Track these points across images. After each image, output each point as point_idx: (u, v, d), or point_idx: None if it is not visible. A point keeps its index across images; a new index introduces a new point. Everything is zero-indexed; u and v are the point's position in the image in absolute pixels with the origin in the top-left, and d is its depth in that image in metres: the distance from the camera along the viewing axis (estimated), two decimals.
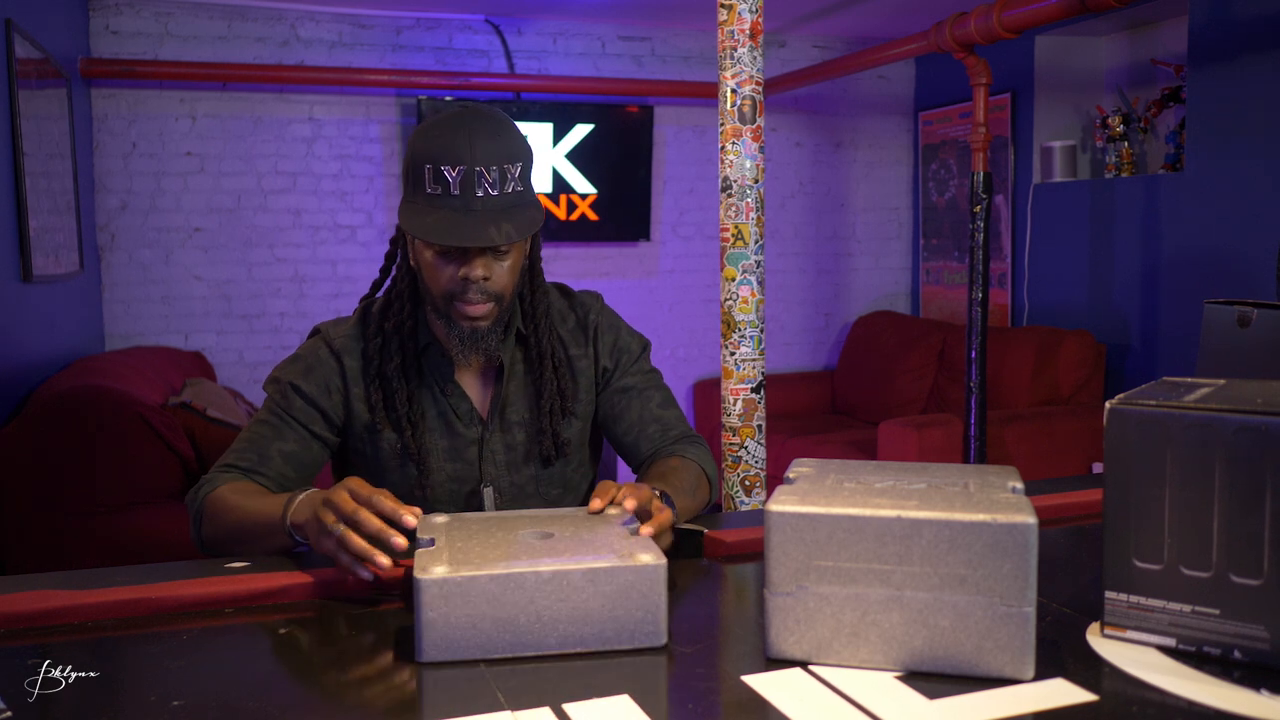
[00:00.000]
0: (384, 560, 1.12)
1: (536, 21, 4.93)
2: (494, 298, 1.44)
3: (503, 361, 1.54)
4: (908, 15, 4.71)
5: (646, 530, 1.14)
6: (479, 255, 1.40)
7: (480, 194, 1.37)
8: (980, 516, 0.92)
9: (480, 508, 1.53)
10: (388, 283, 1.57)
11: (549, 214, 4.91)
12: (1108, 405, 0.99)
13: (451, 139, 1.37)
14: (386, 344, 1.51)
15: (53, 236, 3.49)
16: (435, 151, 1.37)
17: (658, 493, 1.34)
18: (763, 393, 2.58)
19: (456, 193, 1.37)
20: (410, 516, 1.15)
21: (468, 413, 1.54)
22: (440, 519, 1.19)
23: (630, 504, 1.19)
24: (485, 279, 1.42)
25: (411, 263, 1.50)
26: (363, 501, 1.15)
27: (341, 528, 1.14)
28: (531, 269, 1.55)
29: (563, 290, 1.66)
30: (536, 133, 4.84)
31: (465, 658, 1.00)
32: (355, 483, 1.19)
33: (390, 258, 1.56)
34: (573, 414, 1.58)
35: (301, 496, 1.27)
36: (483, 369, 1.56)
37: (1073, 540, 1.39)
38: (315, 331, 1.57)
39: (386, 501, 1.15)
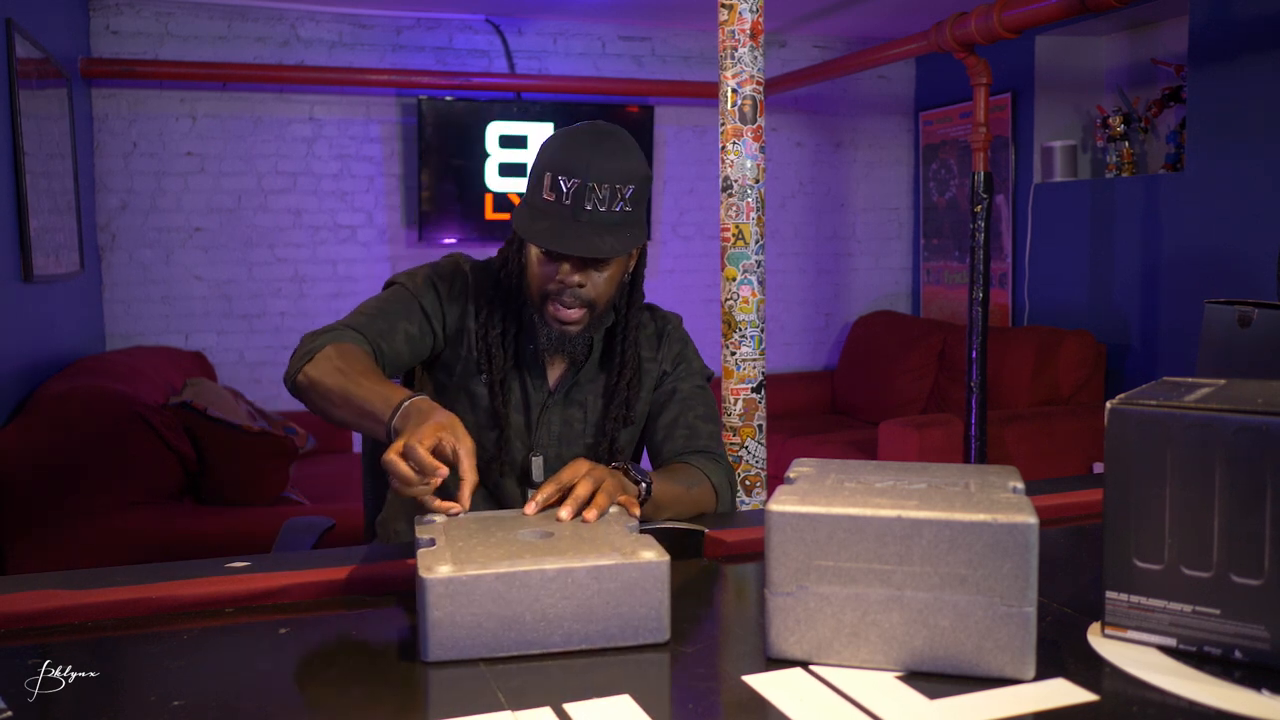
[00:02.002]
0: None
1: (537, 21, 4.93)
2: (587, 304, 1.51)
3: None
4: (908, 15, 4.71)
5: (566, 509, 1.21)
6: (579, 263, 1.47)
7: (589, 207, 1.43)
8: (981, 516, 0.92)
9: (529, 475, 1.60)
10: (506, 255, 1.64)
11: None
12: (1108, 405, 0.99)
13: (574, 152, 1.44)
14: (491, 315, 1.58)
15: (53, 236, 3.49)
16: (557, 161, 1.45)
17: (622, 469, 1.38)
18: (763, 392, 2.58)
19: (568, 202, 1.43)
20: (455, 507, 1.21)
21: (539, 377, 1.61)
22: (439, 519, 1.19)
23: (593, 513, 1.22)
24: (580, 286, 1.49)
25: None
26: (428, 471, 1.17)
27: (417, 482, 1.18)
28: (633, 285, 1.61)
29: (649, 306, 1.73)
30: (537, 132, 4.84)
31: (470, 656, 1.00)
32: (451, 439, 1.21)
33: (510, 241, 1.63)
34: (633, 422, 1.64)
35: (411, 404, 1.28)
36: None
37: (1073, 540, 1.39)
38: (452, 255, 1.64)
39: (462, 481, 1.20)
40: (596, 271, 1.49)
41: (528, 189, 1.50)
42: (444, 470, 1.17)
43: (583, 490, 1.22)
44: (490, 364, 1.57)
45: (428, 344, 1.57)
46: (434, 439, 1.19)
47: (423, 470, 1.16)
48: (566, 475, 1.26)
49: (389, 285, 1.60)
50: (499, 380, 1.57)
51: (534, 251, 1.50)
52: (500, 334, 1.58)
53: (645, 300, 1.73)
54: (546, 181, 1.45)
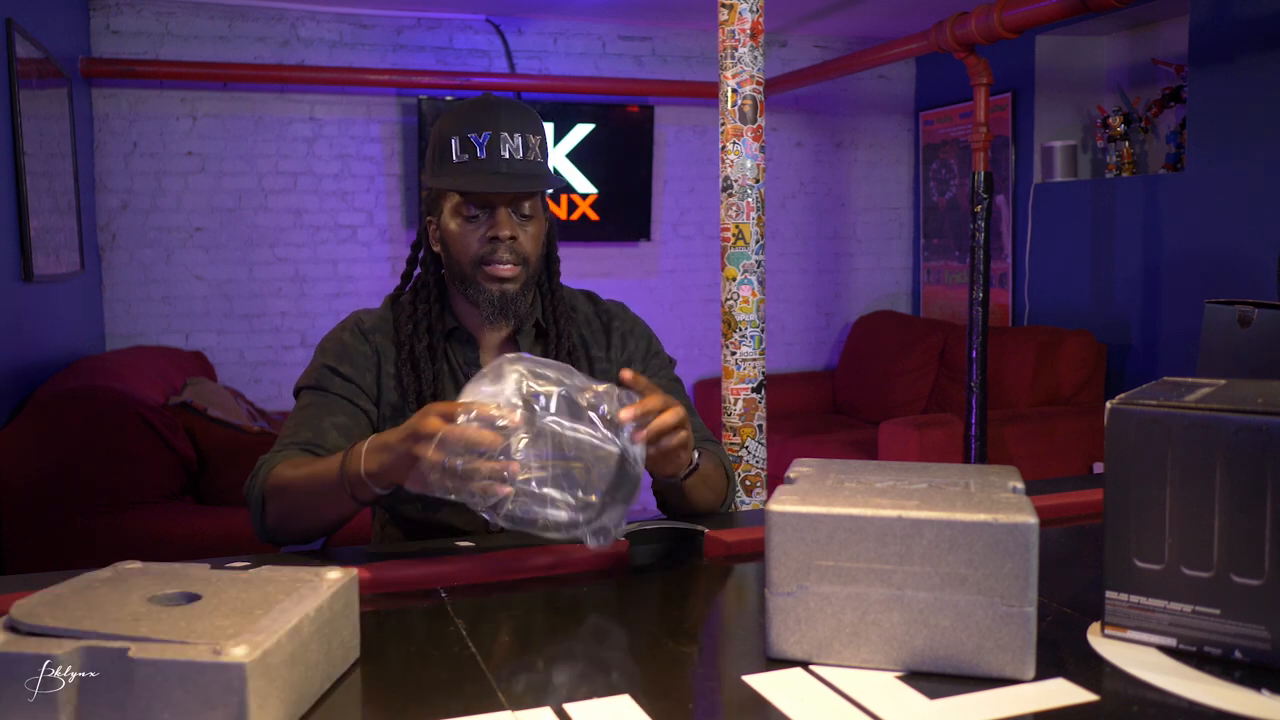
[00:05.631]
0: (505, 490, 1.10)
1: (537, 21, 4.93)
2: (521, 260, 1.51)
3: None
4: (908, 15, 4.71)
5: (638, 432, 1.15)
6: (506, 216, 1.49)
7: (505, 155, 1.46)
8: (981, 516, 0.92)
9: None
10: (413, 278, 1.63)
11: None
12: (1108, 405, 0.99)
13: (477, 114, 1.48)
14: (416, 329, 1.56)
15: (53, 236, 3.49)
16: (462, 124, 1.48)
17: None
18: (763, 392, 2.58)
19: (483, 155, 1.46)
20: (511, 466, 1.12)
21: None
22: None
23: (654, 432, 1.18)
24: (512, 238, 1.49)
25: (435, 248, 1.57)
26: (460, 441, 1.10)
27: (461, 463, 1.10)
28: (548, 257, 1.60)
29: (589, 296, 1.70)
30: None
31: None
32: (441, 410, 1.13)
33: (415, 249, 1.62)
34: None
35: (364, 446, 1.26)
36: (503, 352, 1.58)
37: (1073, 540, 1.39)
38: (347, 320, 1.62)
39: (484, 434, 1.10)
40: (523, 227, 1.50)
41: (431, 163, 1.51)
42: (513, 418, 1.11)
43: (670, 419, 1.19)
44: (419, 381, 1.53)
45: (364, 422, 1.52)
46: (445, 427, 1.11)
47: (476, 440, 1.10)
48: (653, 402, 1.20)
49: (296, 393, 1.56)
50: (430, 395, 1.52)
51: (454, 223, 1.50)
52: (428, 345, 1.55)
53: (594, 291, 1.72)
54: (455, 146, 1.47)
